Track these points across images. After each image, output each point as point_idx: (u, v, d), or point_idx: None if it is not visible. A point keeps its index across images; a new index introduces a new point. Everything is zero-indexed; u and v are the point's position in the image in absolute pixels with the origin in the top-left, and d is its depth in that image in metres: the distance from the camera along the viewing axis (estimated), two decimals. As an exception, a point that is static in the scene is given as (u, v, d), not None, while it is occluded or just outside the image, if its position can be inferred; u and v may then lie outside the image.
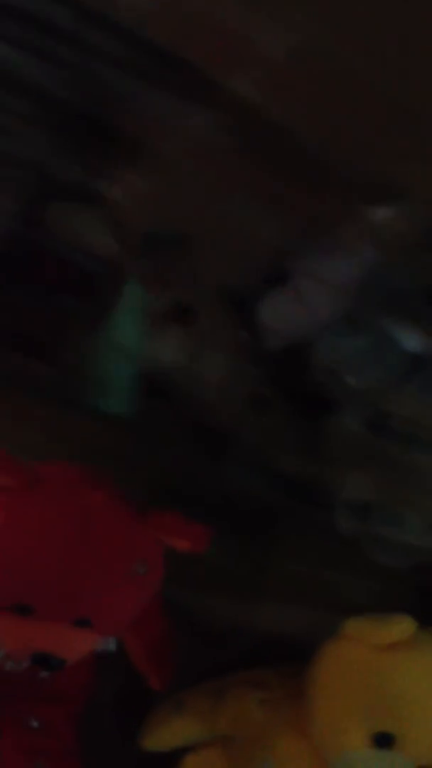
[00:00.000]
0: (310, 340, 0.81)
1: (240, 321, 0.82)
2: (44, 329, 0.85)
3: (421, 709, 0.70)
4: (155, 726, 0.77)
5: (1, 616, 0.66)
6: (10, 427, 0.81)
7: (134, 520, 0.67)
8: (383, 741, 0.70)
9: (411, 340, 0.77)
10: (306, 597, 0.84)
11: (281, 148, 0.71)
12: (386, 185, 0.73)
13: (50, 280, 0.84)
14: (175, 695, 0.78)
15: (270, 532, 0.85)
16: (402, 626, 0.71)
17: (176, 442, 0.85)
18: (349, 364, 0.78)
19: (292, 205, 0.74)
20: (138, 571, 0.66)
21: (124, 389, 0.81)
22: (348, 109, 0.70)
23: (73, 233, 0.78)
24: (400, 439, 0.79)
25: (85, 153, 0.75)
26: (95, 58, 0.70)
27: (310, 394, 0.85)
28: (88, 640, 0.67)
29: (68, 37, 0.70)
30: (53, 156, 0.76)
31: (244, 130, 0.71)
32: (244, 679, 0.77)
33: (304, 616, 0.84)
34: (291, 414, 0.86)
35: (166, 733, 0.77)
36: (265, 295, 0.81)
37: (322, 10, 0.66)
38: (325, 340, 0.78)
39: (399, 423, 0.79)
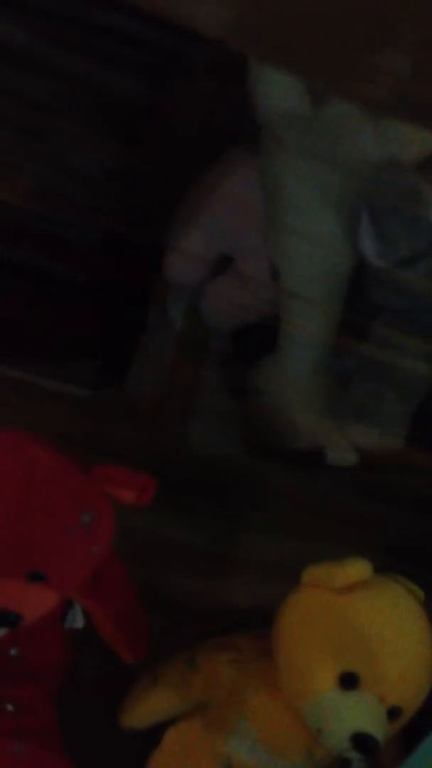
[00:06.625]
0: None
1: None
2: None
3: (381, 645, 0.71)
4: (132, 702, 0.78)
5: None
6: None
7: (78, 473, 0.69)
8: (348, 681, 0.70)
9: None
10: (280, 570, 0.84)
11: None
12: None
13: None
14: (150, 670, 0.78)
15: (237, 508, 0.87)
16: (358, 567, 0.72)
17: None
18: None
19: None
20: (85, 521, 0.68)
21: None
22: None
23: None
24: None
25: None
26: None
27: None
28: (44, 595, 0.68)
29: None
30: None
31: None
32: (214, 645, 0.78)
33: (278, 590, 0.84)
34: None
35: (143, 708, 0.77)
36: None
37: None
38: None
39: None
